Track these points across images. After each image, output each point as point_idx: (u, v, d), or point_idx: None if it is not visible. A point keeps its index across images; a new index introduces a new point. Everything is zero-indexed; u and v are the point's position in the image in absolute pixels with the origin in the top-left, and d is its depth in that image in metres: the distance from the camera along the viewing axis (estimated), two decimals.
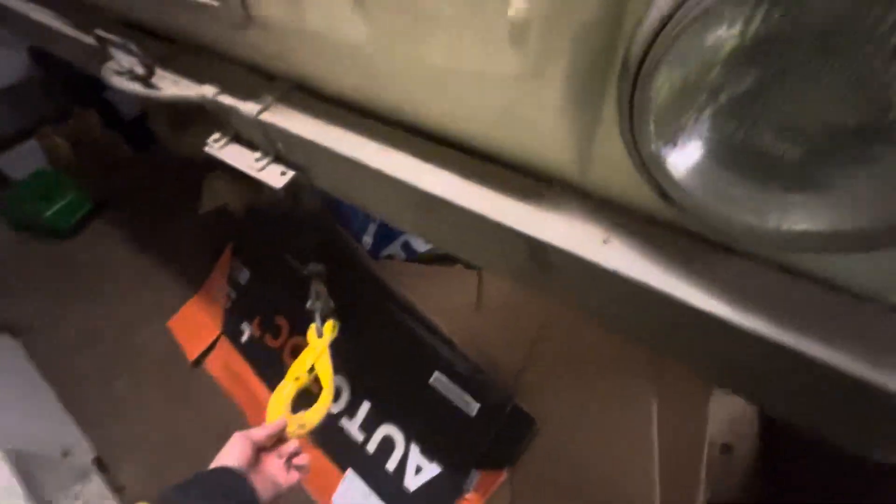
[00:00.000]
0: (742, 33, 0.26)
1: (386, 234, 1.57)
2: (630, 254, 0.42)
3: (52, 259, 2.16)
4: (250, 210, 1.78)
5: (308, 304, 0.98)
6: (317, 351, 0.94)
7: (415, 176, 0.52)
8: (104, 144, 2.39)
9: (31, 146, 2.34)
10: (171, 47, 0.80)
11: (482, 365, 1.24)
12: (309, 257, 1.00)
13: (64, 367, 1.78)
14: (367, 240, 1.57)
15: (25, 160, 2.33)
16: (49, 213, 2.13)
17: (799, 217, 0.30)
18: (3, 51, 2.14)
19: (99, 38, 0.72)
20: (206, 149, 0.73)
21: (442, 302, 1.34)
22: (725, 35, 0.27)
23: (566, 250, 0.43)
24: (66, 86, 2.29)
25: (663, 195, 0.38)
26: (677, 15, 0.28)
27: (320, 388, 0.91)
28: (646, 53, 0.30)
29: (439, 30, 0.40)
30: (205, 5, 0.56)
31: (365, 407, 1.37)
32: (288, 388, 0.87)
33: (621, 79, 0.34)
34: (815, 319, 0.35)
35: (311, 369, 0.92)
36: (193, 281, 1.90)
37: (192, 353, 1.73)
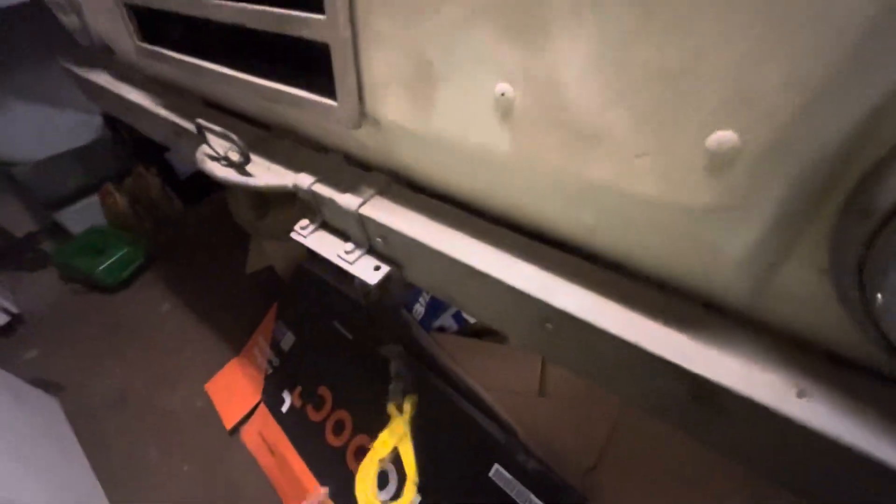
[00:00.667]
0: None
1: (438, 304, 1.51)
2: (831, 407, 0.35)
3: (98, 313, 2.17)
4: (297, 272, 1.77)
5: (390, 387, 0.93)
6: (401, 430, 0.87)
7: (543, 290, 0.47)
8: (159, 200, 2.48)
9: (91, 202, 2.44)
10: (264, 132, 0.80)
11: (547, 459, 1.13)
12: (382, 339, 0.95)
13: (96, 427, 1.73)
14: (419, 309, 1.52)
15: (85, 215, 2.43)
16: (101, 267, 2.18)
17: None
18: (81, 115, 2.30)
19: (199, 127, 0.73)
20: (293, 235, 0.70)
21: (501, 383, 1.25)
22: None
23: (745, 395, 0.36)
24: (132, 146, 2.43)
25: (891, 350, 0.32)
26: None
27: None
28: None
29: (608, 149, 0.36)
30: (322, 104, 0.55)
31: (415, 501, 1.26)
32: (372, 472, 0.79)
33: (852, 224, 0.29)
34: None
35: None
36: (235, 341, 1.87)
37: (229, 421, 1.66)
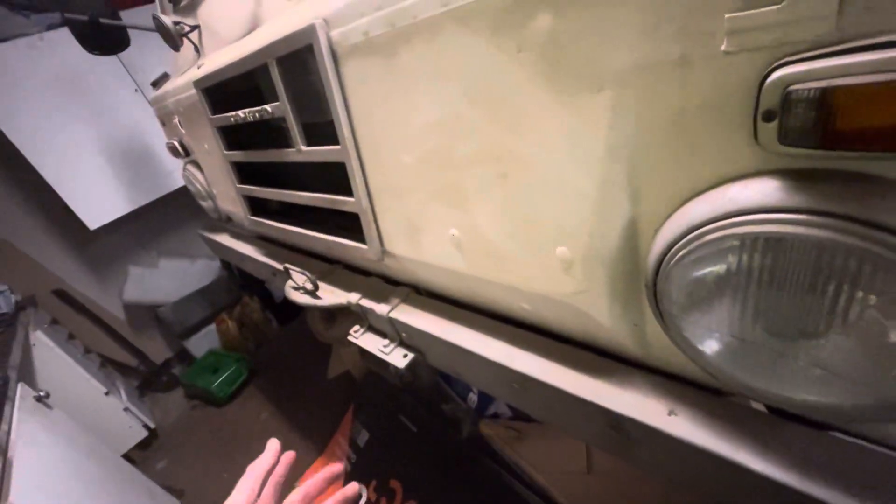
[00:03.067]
0: (713, 273, 0.39)
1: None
2: (694, 422, 0.49)
3: (212, 425, 2.55)
4: (368, 374, 2.02)
5: None
6: None
7: (509, 359, 0.66)
8: (260, 322, 2.97)
9: (209, 329, 3.00)
10: (331, 266, 1.12)
11: None
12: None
13: None
14: (473, 397, 1.66)
15: (205, 341, 2.96)
16: (214, 384, 2.61)
17: (811, 391, 0.37)
18: (207, 261, 2.96)
19: (285, 268, 1.06)
20: (349, 338, 0.96)
21: (551, 464, 1.32)
22: (706, 270, 0.40)
23: (637, 420, 0.51)
24: (240, 281, 3.02)
25: (707, 371, 0.47)
26: (667, 256, 0.42)
27: None
28: (654, 281, 0.44)
29: (514, 265, 0.59)
30: (359, 248, 0.84)
31: None
32: None
33: (646, 293, 0.47)
34: (857, 479, 0.38)
35: None
36: (322, 441, 2.10)
37: None
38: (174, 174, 2.59)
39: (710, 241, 0.37)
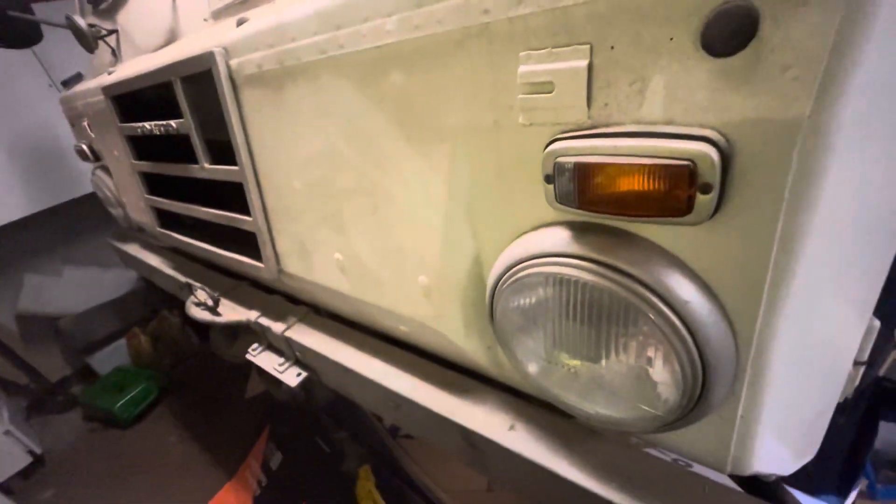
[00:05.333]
0: (525, 304, 0.46)
1: None
2: (529, 436, 0.55)
3: (112, 449, 2.35)
4: (288, 396, 1.97)
5: None
6: None
7: (386, 378, 0.70)
8: (179, 338, 2.80)
9: (119, 345, 2.78)
10: (236, 283, 1.12)
11: None
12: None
13: None
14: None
15: (113, 357, 2.74)
16: (118, 404, 2.41)
17: (597, 405, 0.44)
18: (122, 271, 2.76)
19: (187, 284, 1.04)
20: (247, 356, 0.96)
21: (455, 482, 1.36)
22: (520, 302, 0.47)
23: (483, 435, 0.57)
24: (160, 294, 2.84)
25: (536, 388, 0.54)
26: (497, 289, 0.48)
27: None
28: (491, 310, 0.50)
29: (388, 289, 0.63)
30: (256, 266, 0.85)
31: None
32: None
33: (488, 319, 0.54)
34: (646, 483, 0.45)
35: None
36: (234, 463, 2.00)
37: None
38: (87, 176, 2.43)
39: (521, 278, 0.44)
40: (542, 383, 0.50)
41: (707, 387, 0.38)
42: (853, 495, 1.11)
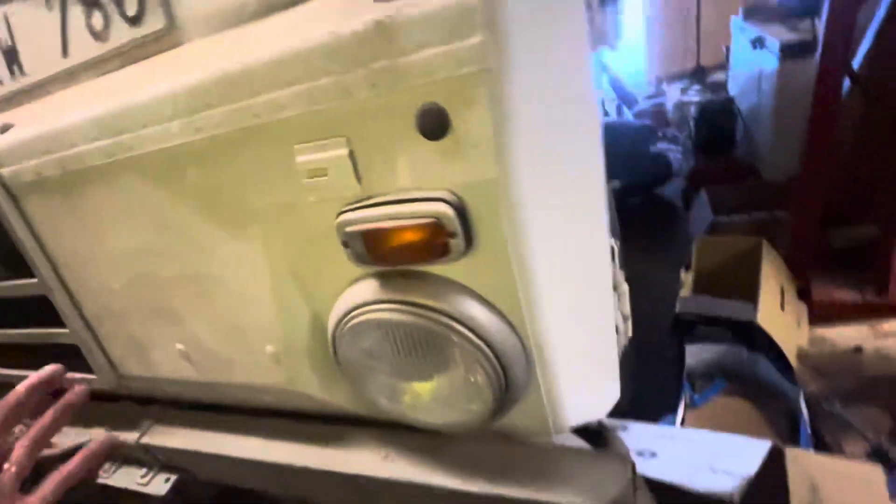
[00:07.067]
0: (357, 350, 0.52)
1: None
2: (403, 461, 0.61)
3: None
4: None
5: None
6: None
7: (264, 452, 0.69)
8: None
9: None
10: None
11: None
12: None
13: None
14: None
15: None
16: None
17: (444, 416, 0.53)
18: None
19: None
20: (99, 480, 0.84)
21: None
22: (353, 350, 0.53)
23: (361, 474, 0.61)
24: None
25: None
26: (335, 340, 0.53)
27: None
28: (336, 359, 0.55)
29: (238, 366, 0.64)
30: (89, 379, 0.76)
31: None
32: None
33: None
34: (506, 465, 0.55)
35: None
36: None
37: None
38: None
39: (351, 327, 0.50)
40: (396, 410, 0.56)
41: (510, 378, 0.48)
42: (681, 409, 1.41)
